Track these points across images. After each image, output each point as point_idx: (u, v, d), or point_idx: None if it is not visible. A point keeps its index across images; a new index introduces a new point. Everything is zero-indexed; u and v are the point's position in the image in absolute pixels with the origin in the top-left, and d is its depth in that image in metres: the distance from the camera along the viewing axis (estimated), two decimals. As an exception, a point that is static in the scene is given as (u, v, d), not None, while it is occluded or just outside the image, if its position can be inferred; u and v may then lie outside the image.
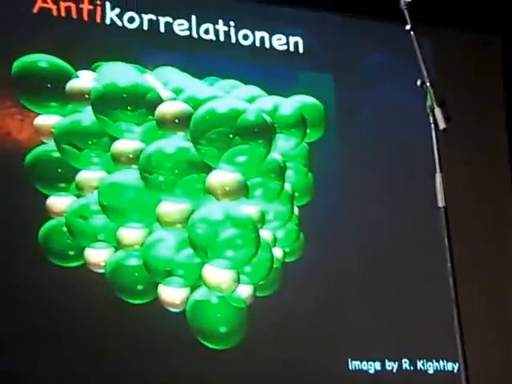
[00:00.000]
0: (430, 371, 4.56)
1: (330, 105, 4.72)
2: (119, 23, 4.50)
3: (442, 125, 2.80)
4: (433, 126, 2.84)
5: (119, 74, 4.22)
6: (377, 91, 4.90)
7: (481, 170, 5.01)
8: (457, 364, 4.22)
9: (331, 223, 4.58)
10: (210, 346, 4.11)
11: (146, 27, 4.54)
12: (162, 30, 4.55)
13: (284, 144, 4.33)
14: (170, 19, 4.59)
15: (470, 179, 4.90)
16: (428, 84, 2.77)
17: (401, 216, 4.67)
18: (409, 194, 4.70)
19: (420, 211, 4.37)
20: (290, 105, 4.42)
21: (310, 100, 4.57)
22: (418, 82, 2.81)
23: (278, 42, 4.80)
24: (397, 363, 4.50)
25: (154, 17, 4.56)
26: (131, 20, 4.53)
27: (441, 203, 2.78)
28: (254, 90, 4.48)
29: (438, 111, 2.82)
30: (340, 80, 4.88)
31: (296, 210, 4.42)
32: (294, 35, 4.82)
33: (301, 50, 4.82)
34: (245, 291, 4.19)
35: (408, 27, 2.83)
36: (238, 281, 4.10)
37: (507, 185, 5.10)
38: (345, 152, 4.73)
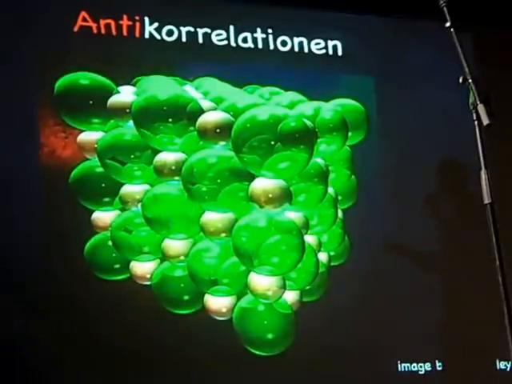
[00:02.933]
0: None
1: (371, 107, 4.69)
2: (158, 37, 4.56)
3: (485, 121, 2.75)
4: (476, 122, 2.81)
5: (159, 86, 4.25)
6: (418, 91, 4.87)
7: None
8: None
9: (376, 225, 4.57)
10: (257, 352, 4.12)
11: (184, 39, 4.60)
12: (201, 41, 4.60)
13: (326, 148, 4.31)
14: (208, 30, 4.63)
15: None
16: (470, 80, 2.74)
17: (448, 215, 4.61)
18: (454, 193, 4.64)
19: (467, 210, 4.31)
20: (330, 108, 4.38)
21: (350, 102, 4.52)
22: (460, 79, 2.78)
23: (317, 46, 4.80)
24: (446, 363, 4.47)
25: (192, 28, 4.61)
26: (170, 33, 4.58)
27: (487, 200, 2.74)
28: (294, 95, 4.47)
29: (481, 107, 2.77)
30: (380, 81, 4.87)
31: (340, 214, 4.41)
32: (332, 39, 4.83)
33: (340, 53, 4.83)
34: (291, 297, 4.18)
35: (448, 24, 2.80)
36: (283, 287, 4.07)
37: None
38: (387, 153, 4.72)
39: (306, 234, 4.14)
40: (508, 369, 4.56)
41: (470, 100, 2.81)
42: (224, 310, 4.10)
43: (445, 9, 2.81)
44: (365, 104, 4.59)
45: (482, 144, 2.78)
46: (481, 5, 4.90)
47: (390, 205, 4.65)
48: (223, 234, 4.04)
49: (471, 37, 5.05)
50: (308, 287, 4.21)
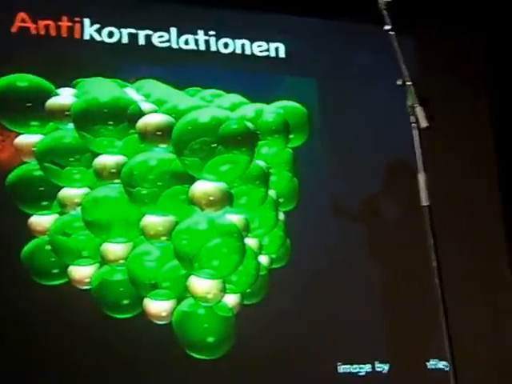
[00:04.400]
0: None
1: (313, 109, 4.70)
2: (98, 38, 4.51)
3: (423, 123, 2.78)
4: (414, 125, 2.83)
5: (100, 89, 4.21)
6: (361, 93, 4.89)
7: (466, 169, 4.96)
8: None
9: (318, 227, 4.57)
10: (197, 356, 4.10)
11: (125, 41, 4.55)
12: (142, 42, 4.56)
13: (268, 150, 4.31)
14: (149, 32, 4.59)
15: (455, 179, 4.85)
16: (409, 83, 2.76)
17: (388, 217, 4.65)
18: (395, 195, 4.67)
19: (405, 212, 4.36)
20: (272, 111, 4.38)
21: (292, 104, 4.53)
22: (399, 82, 2.80)
23: (259, 48, 4.80)
24: (388, 365, 4.50)
25: (133, 30, 4.56)
26: (110, 35, 4.53)
27: (424, 202, 2.77)
28: (235, 97, 4.46)
29: (419, 110, 2.80)
30: (323, 84, 4.88)
31: (282, 216, 4.41)
32: (274, 41, 4.82)
33: (282, 56, 4.82)
34: (232, 300, 4.17)
35: (387, 27, 2.82)
36: (224, 290, 4.08)
37: (493, 184, 5.05)
38: (329, 156, 4.72)
39: (247, 236, 4.14)
40: (445, 368, 4.61)
41: (409, 102, 2.83)
42: (164, 313, 4.07)
43: (385, 12, 2.83)
44: (307, 106, 4.61)
45: (420, 147, 2.81)
46: (423, 8, 4.95)
47: (331, 207, 4.66)
48: (164, 238, 4.02)
49: (413, 40, 5.10)
50: (249, 290, 4.21)
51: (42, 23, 4.41)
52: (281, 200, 4.40)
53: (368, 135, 4.83)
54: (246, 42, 4.78)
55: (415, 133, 2.71)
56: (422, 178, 2.72)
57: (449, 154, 4.82)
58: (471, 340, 4.41)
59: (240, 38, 4.77)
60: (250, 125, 4.18)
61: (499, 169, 5.10)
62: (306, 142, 4.54)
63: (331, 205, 4.68)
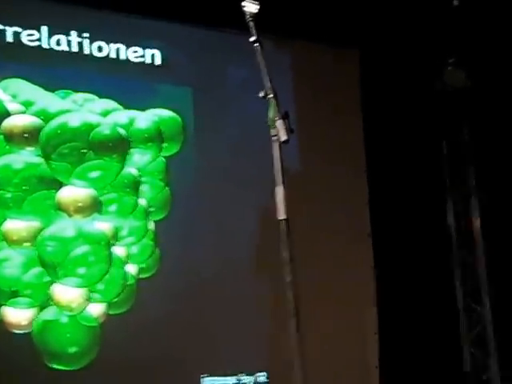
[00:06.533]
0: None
1: (188, 118, 4.64)
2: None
3: (283, 136, 2.77)
4: (275, 138, 2.84)
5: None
6: (236, 105, 4.86)
7: (337, 181, 5.03)
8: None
9: (188, 237, 4.52)
10: (58, 367, 3.97)
11: (-10, 37, 4.35)
12: (10, 39, 4.36)
13: (140, 158, 4.23)
14: (18, 29, 4.39)
15: (325, 191, 4.92)
16: (271, 95, 2.76)
17: (252, 229, 4.65)
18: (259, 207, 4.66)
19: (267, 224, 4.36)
20: (145, 118, 4.31)
21: (167, 113, 4.46)
22: (261, 94, 2.79)
23: (135, 54, 4.69)
24: (253, 377, 4.48)
25: (0, 26, 4.36)
26: (-27, 29, 4.32)
27: (281, 216, 2.77)
28: (108, 103, 4.34)
29: (280, 123, 2.80)
30: (199, 93, 4.82)
31: (152, 225, 4.34)
32: (151, 47, 4.72)
33: (158, 63, 4.73)
34: (97, 309, 4.06)
35: (252, 39, 2.80)
36: (89, 299, 3.97)
37: (363, 198, 5.16)
38: (202, 166, 4.68)
39: (115, 245, 4.06)
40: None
41: (270, 115, 2.83)
42: (24, 322, 3.91)
43: (251, 23, 2.82)
44: (182, 115, 4.55)
45: (280, 160, 2.81)
46: (300, 22, 5.00)
47: (201, 217, 4.61)
48: (27, 243, 3.88)
49: (290, 52, 5.15)
50: (115, 299, 4.11)
51: None
52: (151, 209, 4.32)
53: (241, 147, 4.80)
54: (122, 47, 4.65)
55: (275, 146, 2.72)
56: (280, 191, 2.72)
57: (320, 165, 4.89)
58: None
59: (115, 42, 4.63)
60: (122, 131, 4.09)
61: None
62: (179, 152, 4.48)
63: (202, 215, 4.64)
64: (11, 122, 3.93)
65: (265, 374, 4.41)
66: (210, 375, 4.33)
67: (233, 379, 4.38)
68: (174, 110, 4.52)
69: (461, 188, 5.59)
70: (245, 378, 4.40)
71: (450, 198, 5.57)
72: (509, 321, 5.19)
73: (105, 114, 4.22)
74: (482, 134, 5.44)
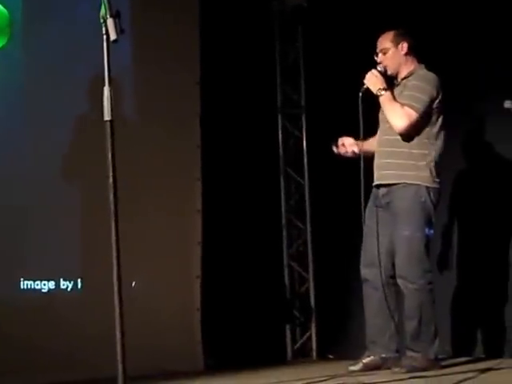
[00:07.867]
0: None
1: (16, 11, 4.39)
2: None
3: (113, 35, 2.72)
4: (104, 36, 2.76)
5: None
6: (68, 3, 4.62)
7: (170, 90, 4.88)
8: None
9: (5, 132, 4.30)
10: None
11: None
12: None
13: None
14: None
15: (157, 101, 4.81)
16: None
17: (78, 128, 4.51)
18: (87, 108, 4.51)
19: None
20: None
21: (-6, 5, 4.21)
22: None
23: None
24: (72, 282, 4.44)
25: None
26: None
27: (107, 116, 2.72)
28: None
29: (110, 22, 2.73)
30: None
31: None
32: None
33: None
34: None
35: None
36: None
37: (195, 108, 5.09)
38: (28, 63, 4.44)
39: None
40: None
41: (101, 13, 2.76)
42: None
43: None
44: (10, 8, 4.32)
45: (108, 59, 2.76)
46: None
47: (25, 119, 4.41)
48: None
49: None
50: None
51: None
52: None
53: (70, 46, 4.54)
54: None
55: (105, 44, 2.65)
56: (106, 91, 2.67)
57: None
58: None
59: None
60: None
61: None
62: (5, 46, 4.27)
63: (25, 116, 4.41)
64: None
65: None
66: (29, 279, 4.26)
67: (51, 283, 4.34)
68: (1, 3, 4.29)
69: (293, 108, 5.66)
70: (64, 283, 4.38)
71: (280, 116, 5.64)
72: (327, 237, 5.37)
73: None
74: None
